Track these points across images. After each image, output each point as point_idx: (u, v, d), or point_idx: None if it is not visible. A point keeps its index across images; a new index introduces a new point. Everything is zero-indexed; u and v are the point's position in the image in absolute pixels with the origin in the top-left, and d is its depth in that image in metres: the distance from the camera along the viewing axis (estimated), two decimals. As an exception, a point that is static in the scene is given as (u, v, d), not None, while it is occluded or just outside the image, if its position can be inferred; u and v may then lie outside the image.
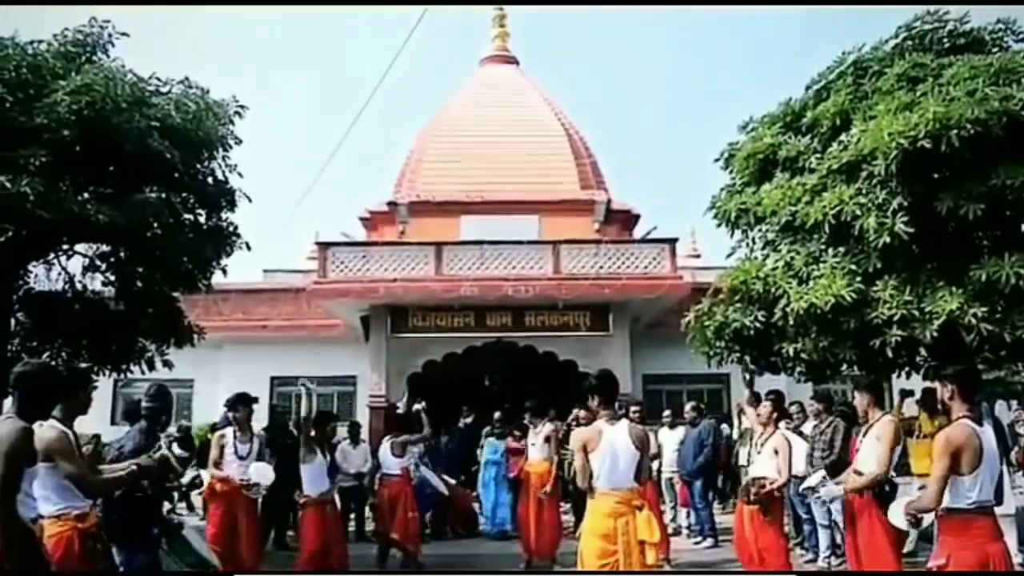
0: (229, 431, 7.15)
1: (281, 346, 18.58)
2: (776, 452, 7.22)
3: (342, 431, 12.05)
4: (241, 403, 7.35)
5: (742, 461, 10.24)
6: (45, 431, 4.22)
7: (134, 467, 4.77)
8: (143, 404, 5.65)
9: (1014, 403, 14.97)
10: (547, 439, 9.45)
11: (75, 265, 10.78)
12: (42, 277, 10.68)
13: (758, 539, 7.11)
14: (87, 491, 4.38)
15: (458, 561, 9.73)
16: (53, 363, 9.15)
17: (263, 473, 7.12)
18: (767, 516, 7.06)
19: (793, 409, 9.79)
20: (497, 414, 12.43)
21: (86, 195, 9.24)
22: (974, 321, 7.40)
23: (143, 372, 10.91)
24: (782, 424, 8.23)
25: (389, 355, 16.11)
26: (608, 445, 5.20)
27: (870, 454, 6.09)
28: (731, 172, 10.27)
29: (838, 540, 8.68)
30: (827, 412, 8.76)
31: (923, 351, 8.67)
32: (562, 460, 9.59)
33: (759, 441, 7.54)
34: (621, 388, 14.68)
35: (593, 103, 55.86)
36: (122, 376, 11.34)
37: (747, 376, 9.99)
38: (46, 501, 4.33)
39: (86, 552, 4.36)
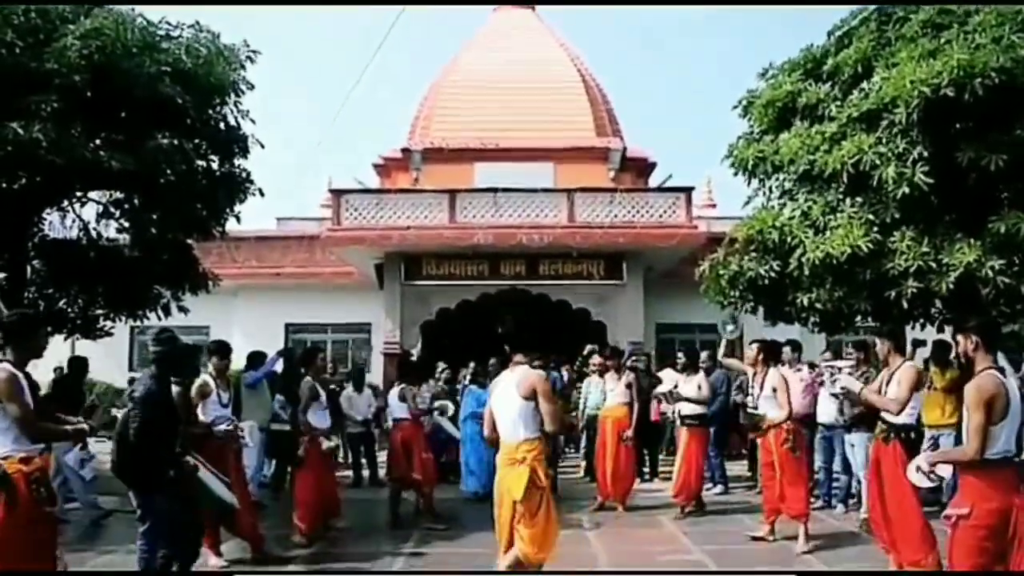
0: (211, 380, 7.06)
1: (296, 293, 18.65)
2: (774, 390, 7.39)
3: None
4: (221, 352, 7.33)
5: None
6: None
7: (83, 427, 4.97)
8: (151, 349, 5.64)
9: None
10: (628, 385, 9.46)
11: (89, 212, 10.82)
12: (57, 224, 10.72)
13: (785, 475, 7.26)
14: (29, 435, 4.44)
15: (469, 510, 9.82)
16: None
17: (255, 435, 7.27)
18: (796, 453, 7.27)
19: (827, 356, 9.91)
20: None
21: (98, 141, 9.20)
22: (991, 274, 7.36)
23: (159, 318, 10.97)
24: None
25: (403, 302, 16.15)
26: (496, 394, 5.03)
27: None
28: (749, 120, 10.15)
29: (854, 489, 8.75)
30: (865, 362, 8.62)
31: (938, 303, 8.62)
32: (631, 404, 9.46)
33: (757, 384, 7.66)
34: (634, 337, 14.87)
35: (610, 48, 55.10)
36: (138, 323, 11.42)
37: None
38: None
39: (31, 495, 4.39)
